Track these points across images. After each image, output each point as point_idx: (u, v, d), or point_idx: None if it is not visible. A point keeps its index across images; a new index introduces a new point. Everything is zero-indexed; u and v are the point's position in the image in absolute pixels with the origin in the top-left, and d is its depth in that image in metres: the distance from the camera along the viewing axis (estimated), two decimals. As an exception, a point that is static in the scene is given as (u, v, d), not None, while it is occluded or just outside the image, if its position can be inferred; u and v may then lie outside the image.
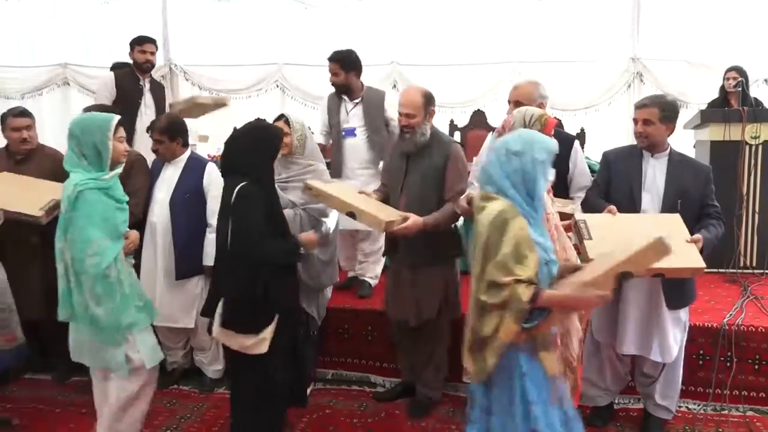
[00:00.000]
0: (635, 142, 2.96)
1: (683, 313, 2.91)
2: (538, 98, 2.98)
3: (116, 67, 4.85)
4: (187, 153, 3.45)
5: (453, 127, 5.86)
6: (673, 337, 2.86)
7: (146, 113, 4.29)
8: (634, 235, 2.03)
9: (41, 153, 3.50)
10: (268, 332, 2.55)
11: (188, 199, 3.34)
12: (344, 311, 3.74)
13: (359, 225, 3.08)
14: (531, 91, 2.97)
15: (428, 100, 3.03)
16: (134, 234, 2.75)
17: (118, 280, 2.50)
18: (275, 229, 2.61)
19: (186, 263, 3.35)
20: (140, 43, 4.44)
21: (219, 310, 2.58)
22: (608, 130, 6.16)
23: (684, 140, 4.94)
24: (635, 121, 2.88)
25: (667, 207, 2.79)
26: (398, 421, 3.21)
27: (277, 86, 7.19)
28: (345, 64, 3.88)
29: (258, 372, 2.61)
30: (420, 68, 6.70)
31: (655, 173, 2.86)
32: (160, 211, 3.35)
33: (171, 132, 3.34)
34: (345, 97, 3.97)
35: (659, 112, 2.80)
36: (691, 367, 3.24)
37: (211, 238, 3.29)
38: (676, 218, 2.68)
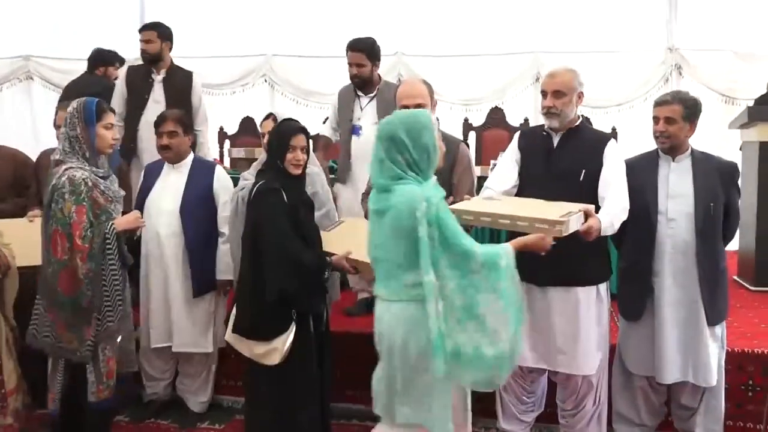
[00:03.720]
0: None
1: (719, 329, 2.92)
2: (578, 87, 2.95)
3: (95, 58, 5.01)
4: (191, 156, 3.48)
5: (467, 126, 5.85)
6: (714, 356, 2.87)
7: (152, 109, 4.16)
8: None
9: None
10: (280, 342, 2.59)
11: (199, 206, 3.36)
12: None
13: None
14: (571, 79, 2.92)
15: (431, 88, 3.15)
16: None
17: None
18: (296, 233, 2.67)
19: (203, 278, 3.36)
20: (139, 31, 4.42)
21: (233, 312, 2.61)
22: (643, 130, 6.13)
23: (730, 140, 4.94)
24: (655, 119, 2.90)
25: (701, 212, 2.81)
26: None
27: (265, 80, 7.23)
28: (371, 54, 3.92)
29: (273, 388, 2.66)
30: (428, 59, 6.71)
31: (679, 178, 2.87)
32: (168, 221, 3.33)
33: (185, 124, 3.38)
34: (360, 92, 4.01)
35: (682, 110, 2.83)
36: (738, 399, 3.23)
37: (224, 249, 3.34)
38: None
